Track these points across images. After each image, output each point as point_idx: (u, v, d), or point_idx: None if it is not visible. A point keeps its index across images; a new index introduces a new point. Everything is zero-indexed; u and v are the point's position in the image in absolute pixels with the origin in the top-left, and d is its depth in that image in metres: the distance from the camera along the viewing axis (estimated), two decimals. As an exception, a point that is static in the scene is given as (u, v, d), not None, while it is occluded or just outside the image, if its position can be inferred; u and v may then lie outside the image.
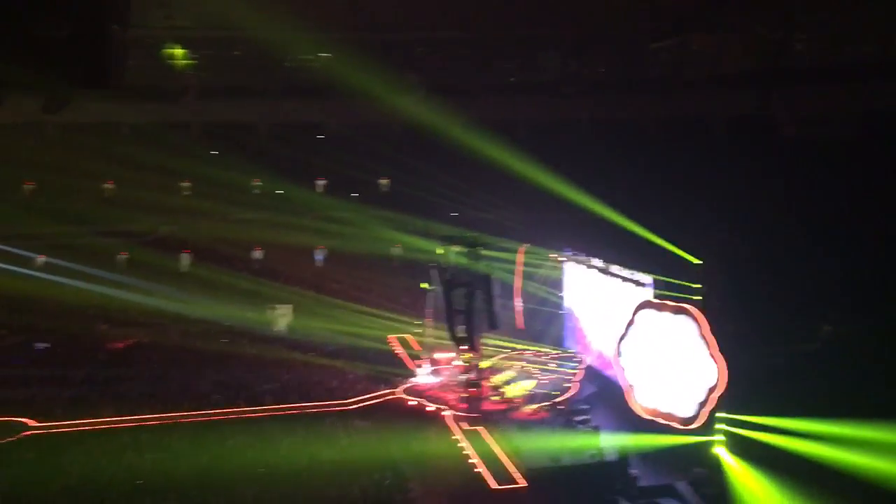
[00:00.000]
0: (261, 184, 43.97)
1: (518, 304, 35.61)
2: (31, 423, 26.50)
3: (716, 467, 22.99)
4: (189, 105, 45.76)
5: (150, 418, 27.33)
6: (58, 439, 25.65)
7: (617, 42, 48.34)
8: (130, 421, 27.09)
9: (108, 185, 43.02)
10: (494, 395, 29.91)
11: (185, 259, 39.92)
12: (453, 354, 33.00)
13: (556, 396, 29.65)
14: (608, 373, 30.18)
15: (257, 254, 41.24)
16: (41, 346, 34.35)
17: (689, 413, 24.06)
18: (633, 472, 23.05)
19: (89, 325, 36.29)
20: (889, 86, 37.87)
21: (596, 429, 25.89)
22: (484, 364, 30.24)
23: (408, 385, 31.14)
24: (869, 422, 20.03)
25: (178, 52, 44.59)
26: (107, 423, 26.90)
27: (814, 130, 40.62)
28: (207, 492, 21.78)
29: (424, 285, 35.09)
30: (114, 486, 22.08)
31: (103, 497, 21.42)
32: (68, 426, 26.56)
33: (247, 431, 26.37)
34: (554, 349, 35.19)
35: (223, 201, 41.81)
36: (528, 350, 35.01)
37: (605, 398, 29.89)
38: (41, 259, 38.05)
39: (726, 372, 22.71)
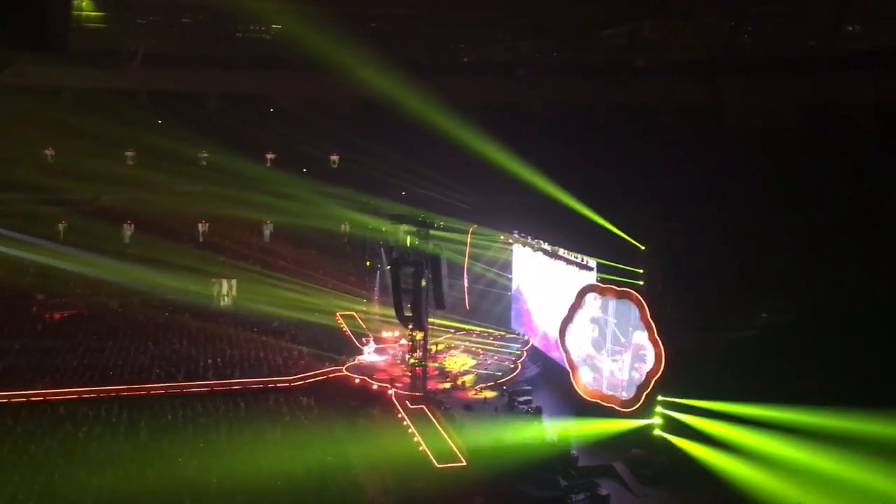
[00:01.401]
0: (208, 156, 43.19)
1: (465, 284, 35.78)
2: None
3: (653, 448, 23.51)
4: (135, 72, 44.61)
5: (89, 391, 26.84)
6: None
7: (570, 27, 48.51)
8: (67, 393, 26.56)
9: (48, 152, 41.76)
10: (439, 374, 30.08)
11: (128, 230, 39.07)
12: (399, 333, 33.10)
13: (500, 377, 29.93)
14: (552, 354, 30.59)
15: (202, 227, 40.54)
16: (-25, 315, 33.43)
17: (629, 395, 24.58)
18: (573, 452, 23.43)
19: (25, 295, 35.37)
20: (833, 78, 38.87)
21: (538, 409, 26.24)
22: (430, 343, 30.34)
23: (353, 363, 31.10)
24: (802, 407, 20.65)
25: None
26: (42, 394, 26.34)
27: (758, 120, 41.51)
28: (146, 466, 21.51)
29: (368, 263, 34.99)
30: (49, 460, 21.66)
31: (38, 469, 20.99)
32: (2, 397, 25.95)
33: (187, 406, 26.10)
34: (499, 330, 35.47)
35: (169, 172, 40.96)
36: (474, 330, 35.23)
37: (548, 379, 30.33)
38: (-24, 226, 36.89)
39: (665, 356, 23.20)
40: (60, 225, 38.14)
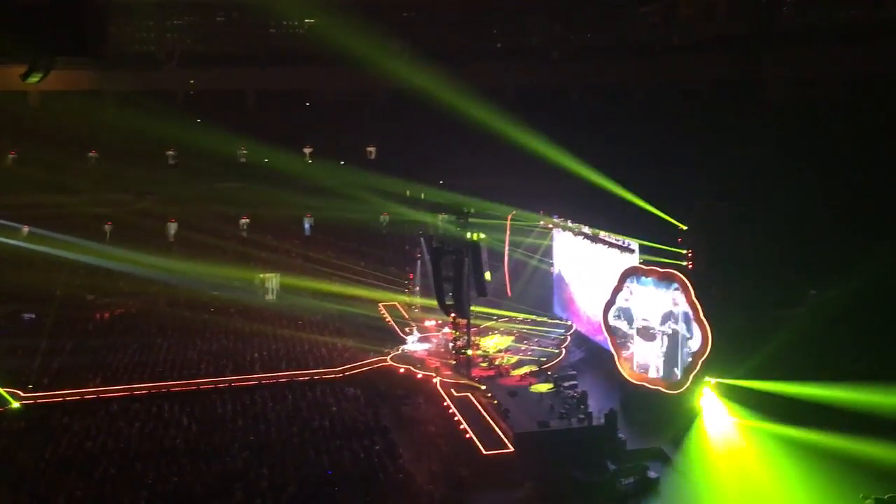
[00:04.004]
0: (247, 152, 43.60)
1: (506, 270, 35.70)
2: (20, 393, 26.48)
3: (701, 429, 23.26)
4: (173, 72, 45.21)
5: (140, 387, 27.36)
6: (47, 409, 25.66)
7: (604, 6, 48.00)
8: (120, 390, 27.11)
9: (92, 154, 42.52)
10: (483, 362, 30.09)
11: (172, 228, 39.68)
12: (442, 322, 33.17)
13: (545, 362, 29.84)
14: (596, 338, 30.40)
15: (244, 222, 41.00)
16: (28, 316, 34.23)
17: (676, 377, 24.33)
18: (621, 435, 23.29)
19: (76, 296, 36.15)
20: (877, 48, 37.79)
21: (584, 394, 26.11)
22: (472, 330, 30.36)
23: (397, 352, 31.26)
24: (855, 384, 20.26)
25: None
26: (96, 392, 26.92)
27: (801, 93, 40.59)
28: (198, 460, 21.90)
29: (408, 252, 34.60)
30: (104, 455, 22.15)
31: (94, 465, 21.49)
32: (57, 396, 26.58)
33: (236, 400, 26.47)
34: (542, 315, 35.33)
35: (209, 170, 41.45)
36: (517, 317, 35.14)
37: (593, 364, 30.14)
38: (25, 229, 37.71)
39: (711, 336, 22.91)
40: (106, 226, 38.85)
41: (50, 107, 43.22)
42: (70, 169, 40.37)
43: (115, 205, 40.53)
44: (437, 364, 29.90)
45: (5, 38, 7.45)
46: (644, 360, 25.94)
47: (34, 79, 8.64)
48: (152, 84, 44.98)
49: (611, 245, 29.24)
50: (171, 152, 43.27)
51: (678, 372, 24.28)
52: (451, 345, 30.51)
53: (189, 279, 36.71)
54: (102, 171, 41.43)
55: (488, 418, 24.85)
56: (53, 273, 35.99)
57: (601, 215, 30.89)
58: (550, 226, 35.20)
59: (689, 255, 25.04)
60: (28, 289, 34.77)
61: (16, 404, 25.90)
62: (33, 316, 34.28)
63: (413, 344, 32.16)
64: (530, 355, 30.71)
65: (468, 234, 29.38)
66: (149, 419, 24.89)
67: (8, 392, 26.27)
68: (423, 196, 37.96)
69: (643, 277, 26.09)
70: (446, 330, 32.13)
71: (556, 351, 31.15)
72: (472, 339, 30.29)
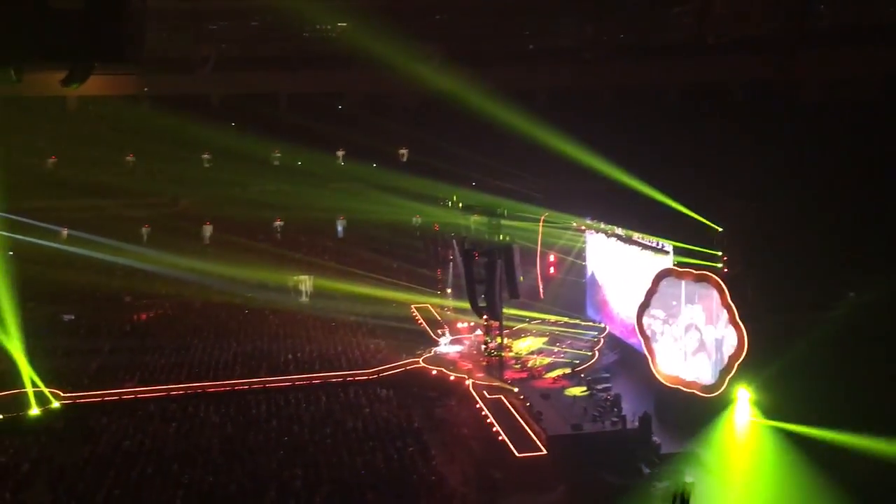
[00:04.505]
0: (280, 155, 43.94)
1: (539, 273, 35.57)
2: (60, 393, 26.96)
3: (737, 433, 22.97)
4: (208, 76, 45.72)
5: (176, 388, 27.72)
6: (85, 409, 26.11)
7: (636, 6, 47.61)
8: (157, 391, 27.48)
9: (130, 158, 43.16)
10: (516, 364, 30.02)
11: (207, 230, 40.17)
12: (474, 324, 33.16)
13: (577, 364, 29.69)
14: (630, 341, 30.16)
15: (278, 225, 41.36)
16: (68, 317, 34.86)
17: (711, 380, 24.04)
18: (655, 439, 23.09)
19: (114, 297, 36.72)
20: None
21: (617, 396, 25.92)
22: (505, 333, 30.31)
23: (430, 354, 31.30)
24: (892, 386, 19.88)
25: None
26: (133, 392, 27.33)
27: (836, 94, 39.93)
28: (233, 460, 22.12)
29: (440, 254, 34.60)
30: (141, 455, 22.47)
31: (131, 465, 21.81)
32: (95, 396, 27.01)
33: (270, 401, 26.71)
34: (575, 318, 35.15)
35: (243, 172, 41.90)
36: (549, 319, 35.00)
37: (626, 366, 29.91)
38: (65, 232, 38.40)
39: (747, 339, 22.62)
40: (144, 228, 39.43)
41: (88, 111, 43.96)
42: (108, 172, 41.03)
43: (152, 207, 41.12)
44: (470, 366, 29.90)
45: (44, 44, 7.58)
46: (679, 363, 25.68)
47: (74, 85, 8.79)
48: (188, 88, 45.52)
49: (644, 247, 29.01)
50: (206, 156, 43.72)
51: (713, 375, 24.00)
52: (483, 347, 30.50)
53: (224, 281, 37.13)
54: (139, 175, 42.06)
55: (521, 421, 24.78)
56: (92, 275, 36.58)
57: (635, 216, 30.65)
58: (583, 228, 35.01)
59: (724, 257, 24.74)
60: (67, 290, 35.43)
61: (56, 404, 26.38)
62: (73, 317, 34.91)
63: (445, 346, 32.19)
64: (563, 357, 30.56)
65: (501, 236, 29.34)
66: (185, 419, 25.25)
67: (48, 392, 26.77)
68: (455, 198, 37.96)
69: (677, 279, 25.85)
70: (478, 332, 32.12)
71: (589, 353, 30.96)
72: (505, 341, 30.24)
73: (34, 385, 26.69)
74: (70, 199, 39.55)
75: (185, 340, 32.88)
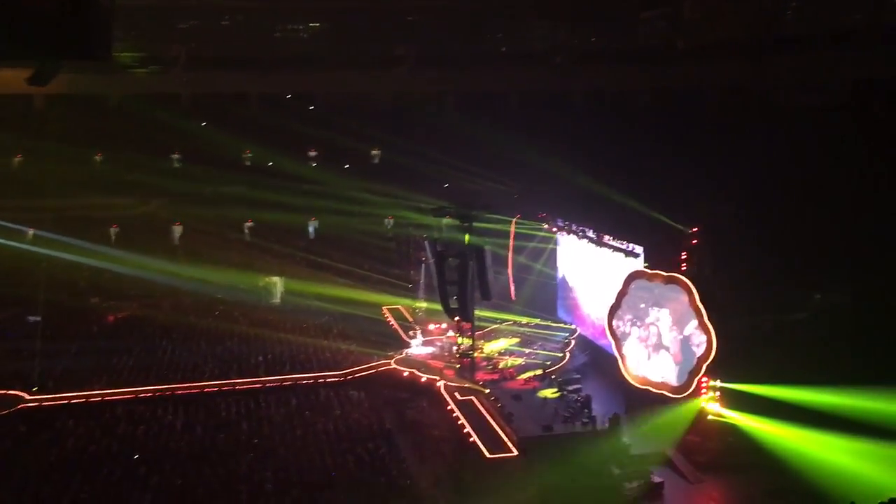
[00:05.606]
0: (252, 155, 43.64)
1: (510, 275, 35.66)
2: (25, 395, 26.53)
3: (707, 435, 23.22)
4: (178, 76, 45.31)
5: (144, 390, 27.39)
6: (51, 412, 25.71)
7: (607, 11, 47.95)
8: (124, 393, 27.15)
9: (98, 157, 42.60)
10: (488, 365, 30.08)
11: (177, 231, 39.72)
12: (446, 325, 33.17)
13: (549, 366, 29.81)
14: (600, 342, 30.36)
15: (248, 226, 41.03)
16: (33, 319, 34.25)
17: (680, 381, 24.27)
18: (625, 440, 23.25)
19: (81, 299, 36.20)
20: (880, 52, 37.69)
21: (588, 398, 26.07)
22: (476, 334, 30.34)
23: (401, 356, 31.25)
24: (859, 390, 20.18)
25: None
26: (101, 395, 26.96)
27: (804, 98, 40.50)
28: (202, 463, 21.92)
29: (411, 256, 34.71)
30: (109, 458, 22.19)
31: (98, 468, 21.53)
32: (62, 398, 26.62)
33: (241, 403, 26.50)
34: (546, 320, 35.29)
35: (214, 173, 41.54)
36: (521, 321, 35.11)
37: (597, 368, 30.13)
38: (31, 232, 37.80)
39: (716, 341, 22.88)
40: (112, 229, 38.93)
41: (55, 110, 43.35)
42: (76, 172, 40.47)
43: (120, 208, 40.61)
44: (441, 367, 29.89)
45: (10, 41, 7.47)
46: (648, 365, 25.90)
47: (40, 82, 8.67)
48: (157, 87, 45.07)
49: (615, 249, 29.22)
50: (176, 155, 43.32)
51: (682, 376, 24.23)
52: (455, 348, 30.50)
53: (194, 282, 36.78)
54: (108, 174, 41.51)
55: (492, 422, 24.83)
56: (59, 276, 36.01)
57: (605, 219, 30.86)
58: (554, 230, 35.16)
59: (694, 259, 25.00)
60: (33, 291, 34.84)
61: (20, 406, 25.94)
62: (38, 318, 34.31)
63: (417, 347, 32.15)
64: (534, 359, 30.67)
65: (473, 238, 29.35)
66: (153, 422, 24.95)
67: (12, 394, 26.33)
68: (427, 200, 37.96)
69: (647, 281, 26.06)
70: (450, 333, 32.12)
71: (561, 355, 31.11)
72: (477, 342, 30.28)
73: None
74: (36, 198, 38.94)
75: (154, 342, 32.49)
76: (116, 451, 22.75)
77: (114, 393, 27.15)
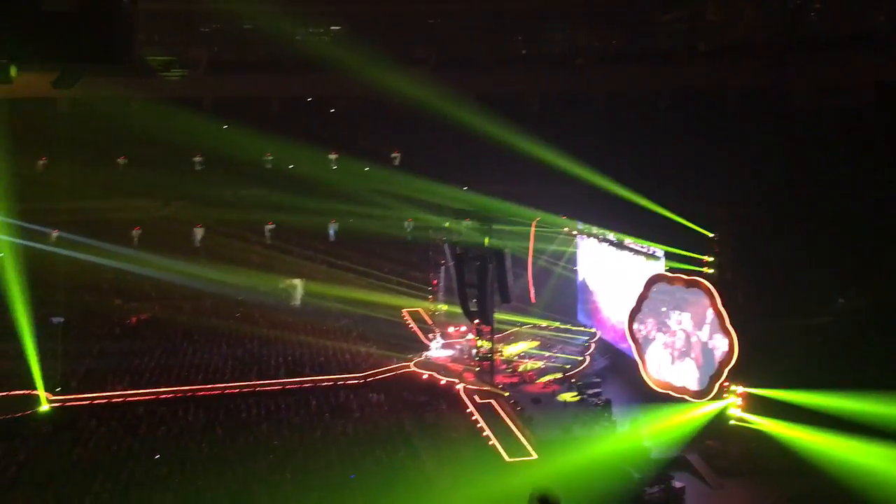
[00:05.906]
0: (272, 158, 43.83)
1: (530, 277, 35.57)
2: (48, 396, 26.79)
3: (728, 439, 23.02)
4: (200, 79, 45.59)
5: (165, 391, 27.58)
6: (74, 412, 25.95)
7: (628, 13, 47.78)
8: (146, 394, 27.35)
9: (121, 160, 42.97)
10: (507, 369, 30.02)
11: (198, 233, 39.98)
12: (465, 328, 33.14)
13: (569, 370, 29.70)
14: (621, 346, 30.21)
15: (269, 228, 41.23)
16: (56, 320, 34.58)
17: (702, 386, 24.11)
18: (646, 443, 23.11)
19: (104, 300, 36.51)
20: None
21: (608, 402, 25.95)
22: (496, 337, 30.30)
23: (421, 359, 31.25)
24: (884, 394, 19.93)
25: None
26: (122, 396, 27.17)
27: (827, 100, 40.14)
28: (223, 464, 22.03)
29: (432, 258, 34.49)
30: (130, 459, 22.36)
31: (120, 468, 21.70)
32: (84, 399, 26.86)
33: (261, 405, 26.61)
34: (566, 323, 35.17)
35: (236, 175, 41.77)
36: (541, 324, 35.01)
37: (617, 371, 29.98)
38: (54, 234, 38.18)
39: (738, 345, 22.69)
40: (134, 231, 39.27)
41: (79, 113, 43.73)
42: (99, 174, 40.82)
43: (143, 210, 40.94)
44: (461, 370, 29.87)
45: (35, 46, 7.56)
46: (671, 369, 25.73)
47: (65, 85, 8.76)
48: (180, 91, 45.36)
49: (636, 252, 29.07)
50: (197, 158, 43.58)
51: (704, 380, 24.06)
52: (474, 351, 30.47)
53: (215, 284, 36.98)
54: (131, 177, 41.85)
55: (511, 425, 24.76)
56: (82, 277, 36.36)
57: (626, 222, 30.71)
58: (575, 233, 35.05)
59: (716, 262, 24.82)
60: (57, 292, 35.17)
61: (44, 407, 26.21)
62: (62, 319, 34.63)
63: (436, 350, 32.14)
64: (554, 362, 30.58)
65: (492, 241, 29.33)
66: (174, 423, 25.10)
67: (36, 395, 26.59)
68: (447, 202, 37.94)
69: (668, 285, 25.91)
70: (470, 336, 32.09)
71: (581, 358, 31.00)
72: (496, 345, 30.24)
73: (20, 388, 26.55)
74: (60, 201, 39.32)
75: (175, 344, 32.69)
76: (138, 451, 22.92)
77: (136, 394, 27.36)
